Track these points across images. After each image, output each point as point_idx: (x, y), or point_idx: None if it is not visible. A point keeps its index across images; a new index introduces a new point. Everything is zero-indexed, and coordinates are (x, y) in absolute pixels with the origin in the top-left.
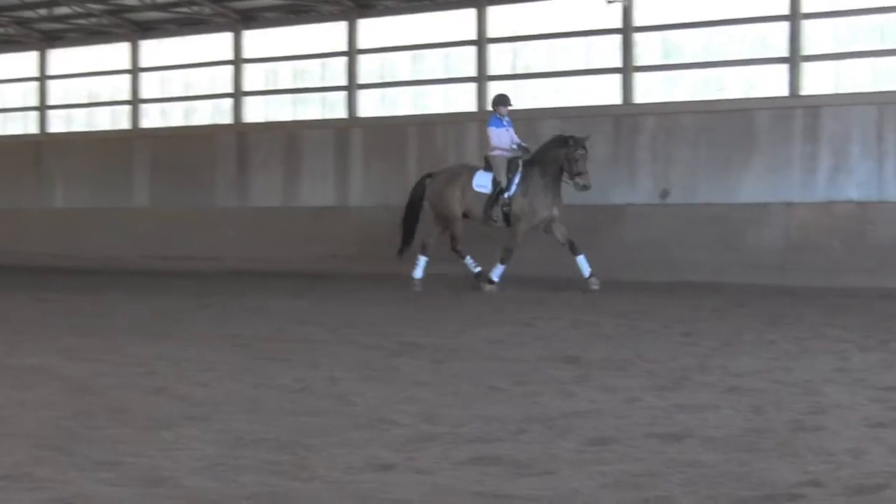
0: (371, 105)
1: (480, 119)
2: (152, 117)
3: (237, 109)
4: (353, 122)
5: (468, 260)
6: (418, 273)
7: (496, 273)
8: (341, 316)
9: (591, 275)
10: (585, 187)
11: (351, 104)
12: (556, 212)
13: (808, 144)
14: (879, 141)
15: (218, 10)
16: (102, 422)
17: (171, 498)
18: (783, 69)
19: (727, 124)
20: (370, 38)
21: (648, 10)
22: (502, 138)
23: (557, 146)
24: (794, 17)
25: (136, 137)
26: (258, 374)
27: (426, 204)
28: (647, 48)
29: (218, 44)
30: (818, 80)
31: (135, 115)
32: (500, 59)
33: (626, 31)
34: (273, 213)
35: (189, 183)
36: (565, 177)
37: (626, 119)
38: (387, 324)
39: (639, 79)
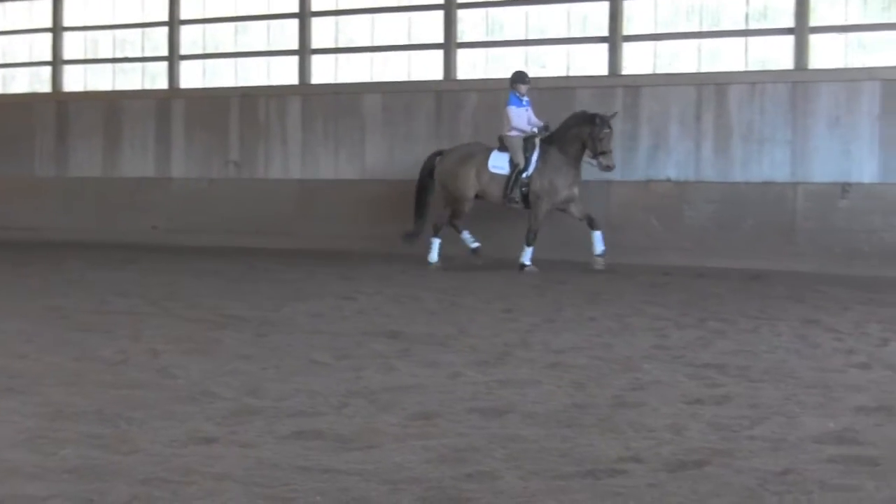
0: (193, 76)
1: (303, 93)
2: None
3: (56, 78)
4: (174, 93)
5: (465, 235)
6: (434, 257)
7: (526, 257)
8: (163, 288)
9: (602, 254)
10: (609, 167)
11: (172, 75)
12: (575, 190)
13: (628, 122)
14: (697, 121)
15: None
16: None
17: None
18: (603, 48)
19: (549, 102)
20: (192, 9)
21: None
22: (521, 118)
23: (581, 123)
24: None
25: None
26: (79, 347)
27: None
28: (470, 24)
29: (36, 11)
30: (638, 60)
31: None
32: (322, 32)
33: (449, 6)
34: (93, 184)
35: (6, 152)
36: (587, 155)
37: (448, 95)
38: (209, 297)
39: (461, 55)
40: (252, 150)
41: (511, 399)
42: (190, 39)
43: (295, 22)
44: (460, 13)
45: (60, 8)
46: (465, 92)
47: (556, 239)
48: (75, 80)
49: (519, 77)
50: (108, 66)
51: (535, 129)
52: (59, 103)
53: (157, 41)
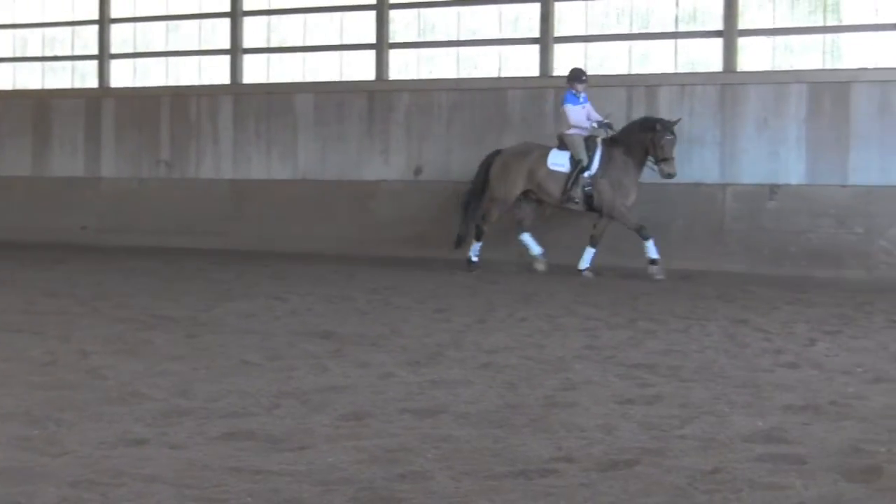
0: (124, 75)
1: (234, 92)
2: None
3: None
4: (104, 91)
5: (478, 245)
6: (535, 250)
7: (586, 261)
8: (93, 288)
9: (655, 261)
10: (670, 175)
11: (102, 74)
12: (635, 196)
13: (559, 123)
14: (628, 120)
15: None
16: None
17: None
18: (535, 49)
19: (481, 102)
20: (123, 8)
21: None
22: (580, 116)
23: (644, 129)
24: (547, 1)
25: None
26: (7, 347)
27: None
28: (402, 25)
29: None
30: (569, 62)
31: None
32: (254, 32)
33: (381, 7)
34: (22, 183)
35: None
36: (650, 161)
37: (380, 95)
38: (139, 297)
39: (393, 55)
40: (183, 149)
41: (443, 399)
42: (120, 38)
43: (227, 21)
44: (392, 13)
45: None
46: (396, 92)
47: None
48: (4, 78)
49: (575, 75)
50: (38, 64)
51: (595, 125)
52: None
53: (87, 39)
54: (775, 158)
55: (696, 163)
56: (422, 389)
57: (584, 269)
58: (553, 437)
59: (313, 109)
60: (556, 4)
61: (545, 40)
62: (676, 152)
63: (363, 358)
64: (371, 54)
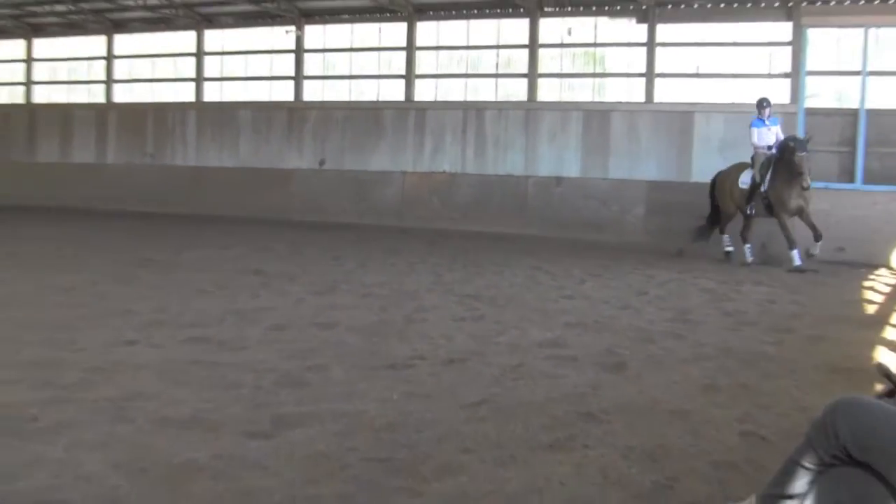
0: (123, 95)
1: (197, 108)
2: None
3: (28, 94)
4: (109, 105)
5: (725, 238)
6: (729, 247)
7: (796, 257)
8: (98, 239)
9: (813, 256)
10: (803, 188)
11: (108, 93)
12: (801, 202)
13: (417, 134)
14: (464, 133)
15: None
16: None
17: None
18: (401, 83)
19: (364, 118)
20: (123, 48)
21: (313, 38)
22: (761, 137)
23: (786, 147)
24: (411, 48)
25: None
26: (39, 278)
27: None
28: (312, 64)
29: (13, 47)
30: (426, 91)
31: None
32: (211, 66)
33: (298, 51)
34: (52, 167)
35: None
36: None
37: (296, 111)
38: (130, 245)
39: (307, 84)
40: (162, 145)
41: (338, 317)
42: (121, 69)
43: (193, 59)
44: (306, 56)
45: (31, 46)
46: (308, 110)
47: (372, 210)
48: (40, 95)
49: (759, 103)
50: (64, 86)
51: (769, 148)
52: (30, 111)
53: (98, 70)
54: (560, 160)
55: (508, 161)
56: (323, 310)
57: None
58: (411, 343)
59: (251, 120)
60: (417, 52)
61: (409, 76)
62: (810, 166)
63: (284, 288)
64: (291, 83)
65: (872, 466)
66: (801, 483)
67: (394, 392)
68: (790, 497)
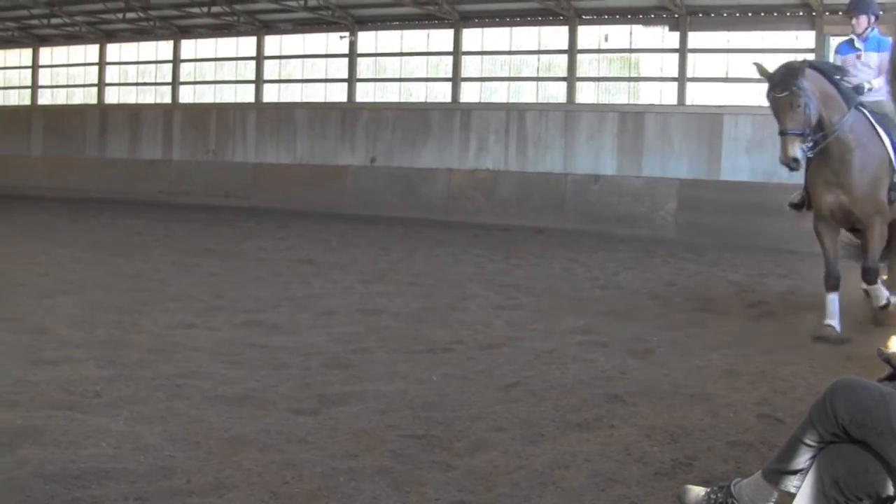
0: (187, 95)
1: (257, 108)
2: None
3: (100, 94)
4: (175, 106)
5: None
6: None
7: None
8: (163, 230)
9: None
10: None
11: (174, 94)
12: None
13: (463, 133)
14: (506, 133)
15: None
16: (5, 294)
17: (51, 341)
18: (448, 85)
19: (413, 118)
20: (188, 52)
21: (366, 43)
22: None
23: None
24: (457, 53)
25: None
26: (109, 266)
27: None
28: (365, 67)
29: (89, 51)
30: (471, 94)
31: None
32: (271, 69)
33: (352, 55)
34: (121, 163)
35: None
36: None
37: (350, 111)
38: (192, 236)
39: (359, 86)
40: (224, 142)
41: (384, 304)
42: (185, 72)
43: (253, 63)
44: (359, 60)
45: (104, 51)
46: (360, 110)
47: (420, 205)
48: (111, 96)
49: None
50: (133, 87)
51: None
52: (102, 111)
53: (165, 72)
54: (598, 159)
55: (548, 160)
56: (371, 297)
57: None
58: (451, 329)
59: (307, 120)
60: (463, 57)
61: (456, 79)
62: None
63: (334, 277)
64: (344, 85)
65: (868, 443)
66: (802, 459)
67: (433, 374)
68: (793, 472)
